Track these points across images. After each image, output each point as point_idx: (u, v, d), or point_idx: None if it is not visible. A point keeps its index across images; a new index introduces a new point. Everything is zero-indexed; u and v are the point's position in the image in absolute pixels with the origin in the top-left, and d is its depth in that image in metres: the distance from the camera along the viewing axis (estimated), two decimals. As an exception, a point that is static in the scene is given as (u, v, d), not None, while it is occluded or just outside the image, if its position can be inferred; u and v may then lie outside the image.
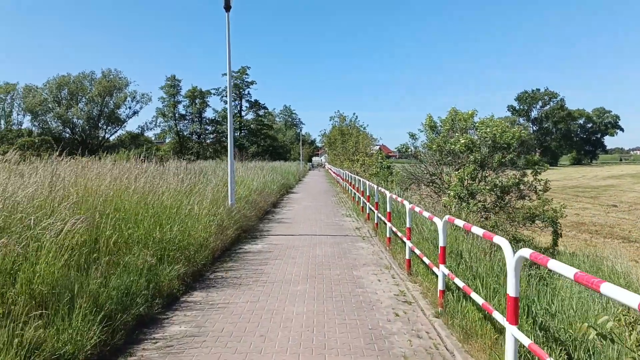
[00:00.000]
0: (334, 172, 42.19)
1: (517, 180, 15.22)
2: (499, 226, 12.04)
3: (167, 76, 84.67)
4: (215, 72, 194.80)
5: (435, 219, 5.80)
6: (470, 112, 17.10)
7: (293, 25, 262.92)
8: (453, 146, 15.66)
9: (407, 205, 7.56)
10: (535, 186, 16.42)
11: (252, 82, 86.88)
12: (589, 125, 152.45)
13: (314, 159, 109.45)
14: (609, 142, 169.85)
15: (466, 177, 14.70)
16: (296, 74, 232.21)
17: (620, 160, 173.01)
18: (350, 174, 22.35)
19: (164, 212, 7.21)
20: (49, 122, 70.74)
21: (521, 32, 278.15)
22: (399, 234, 8.55)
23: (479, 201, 14.89)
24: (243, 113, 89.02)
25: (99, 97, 71.09)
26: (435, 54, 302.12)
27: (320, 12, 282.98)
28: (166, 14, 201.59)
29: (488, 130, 15.13)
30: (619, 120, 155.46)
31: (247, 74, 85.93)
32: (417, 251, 6.89)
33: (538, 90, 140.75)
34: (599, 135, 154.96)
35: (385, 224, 10.42)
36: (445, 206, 15.58)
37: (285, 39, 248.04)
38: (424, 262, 6.85)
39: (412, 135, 17.80)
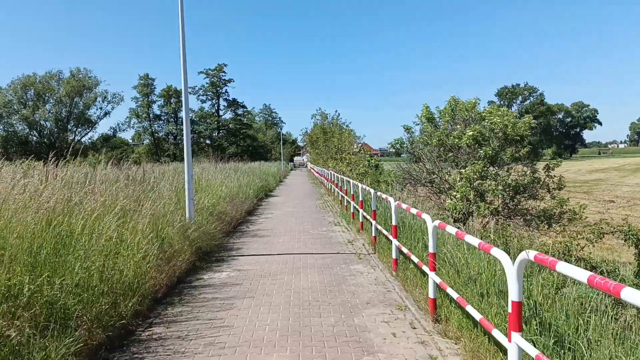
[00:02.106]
0: (317, 172, 39.87)
1: (532, 178, 13.10)
2: (570, 252, 9.63)
3: (139, 75, 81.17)
4: (190, 70, 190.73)
5: (499, 254, 3.46)
6: (472, 101, 14.91)
7: (272, 23, 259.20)
8: (457, 140, 13.45)
9: (430, 222, 5.24)
10: (548, 184, 14.35)
11: (229, 80, 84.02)
12: (568, 119, 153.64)
13: (296, 158, 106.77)
14: (587, 136, 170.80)
15: (475, 176, 12.48)
16: (275, 73, 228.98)
17: (599, 153, 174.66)
18: (336, 174, 20.00)
19: (69, 244, 4.73)
20: (15, 125, 66.79)
21: (500, 28, 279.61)
22: (414, 258, 6.21)
23: (490, 204, 12.70)
24: (221, 112, 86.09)
25: (67, 98, 67.33)
26: (414, 54, 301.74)
27: (301, 11, 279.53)
28: (135, 10, 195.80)
29: (498, 120, 12.95)
30: (598, 114, 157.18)
31: (224, 72, 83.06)
32: (453, 293, 4.56)
33: (518, 85, 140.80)
34: (578, 130, 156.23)
35: (389, 239, 8.10)
36: (448, 210, 13.37)
37: (264, 38, 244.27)
38: (459, 306, 4.55)
39: (408, 129, 15.51)
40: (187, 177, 8.83)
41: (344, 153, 37.05)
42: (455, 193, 12.90)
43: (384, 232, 8.35)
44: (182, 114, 8.54)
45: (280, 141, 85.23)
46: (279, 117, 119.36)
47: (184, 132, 9.01)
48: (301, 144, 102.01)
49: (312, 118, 54.62)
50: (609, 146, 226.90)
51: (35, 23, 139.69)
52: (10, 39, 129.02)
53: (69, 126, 69.72)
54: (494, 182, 13.19)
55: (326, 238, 10.87)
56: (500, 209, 12.86)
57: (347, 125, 47.72)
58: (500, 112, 13.50)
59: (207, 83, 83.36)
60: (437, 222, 5.04)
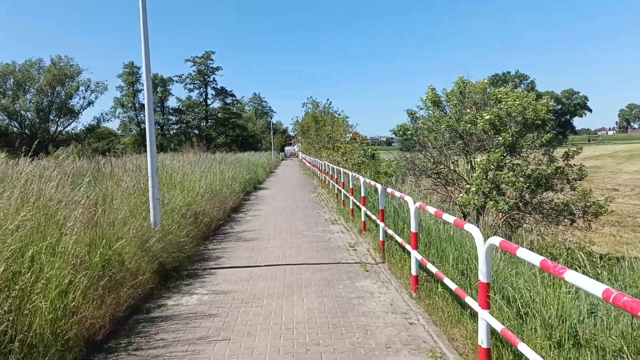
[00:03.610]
0: (308, 162, 38.22)
1: (555, 168, 11.55)
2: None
3: (124, 63, 78.53)
4: (177, 58, 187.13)
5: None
6: (484, 82, 13.29)
7: (262, 12, 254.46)
8: (469, 125, 11.84)
9: (482, 240, 3.61)
10: (568, 174, 12.85)
11: (217, 68, 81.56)
12: (559, 106, 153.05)
13: (287, 148, 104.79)
14: (576, 123, 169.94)
15: (492, 166, 10.90)
16: (265, 62, 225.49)
17: (589, 140, 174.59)
18: (330, 165, 18.30)
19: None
20: (-6, 115, 64.04)
21: (488, 18, 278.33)
22: (449, 282, 4.56)
23: (510, 197, 11.13)
24: (209, 101, 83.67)
25: (48, 87, 64.58)
26: (402, 43, 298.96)
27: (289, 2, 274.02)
28: None
29: (516, 103, 11.33)
30: (588, 101, 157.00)
31: (212, 59, 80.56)
32: (532, 355, 2.92)
33: (509, 72, 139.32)
34: (568, 117, 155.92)
35: (402, 246, 6.49)
36: (461, 205, 11.80)
37: (253, 26, 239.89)
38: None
39: (412, 114, 13.84)
40: (151, 172, 7.08)
41: (337, 142, 35.38)
42: (468, 185, 11.32)
43: (397, 238, 6.70)
44: (144, 94, 6.79)
45: (270, 131, 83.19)
46: (269, 107, 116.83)
47: (146, 117, 7.24)
48: (292, 134, 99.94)
49: (303, 107, 52.72)
50: (598, 133, 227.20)
51: (12, 10, 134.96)
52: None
53: (50, 116, 66.98)
54: (511, 172, 11.63)
55: (323, 241, 9.23)
56: (520, 203, 11.32)
57: (339, 114, 45.95)
58: (518, 94, 11.89)
59: (194, 71, 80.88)
60: (496, 241, 3.39)
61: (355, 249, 8.45)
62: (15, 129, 66.68)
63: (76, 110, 69.19)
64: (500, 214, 12.07)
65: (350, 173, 11.95)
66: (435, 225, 7.28)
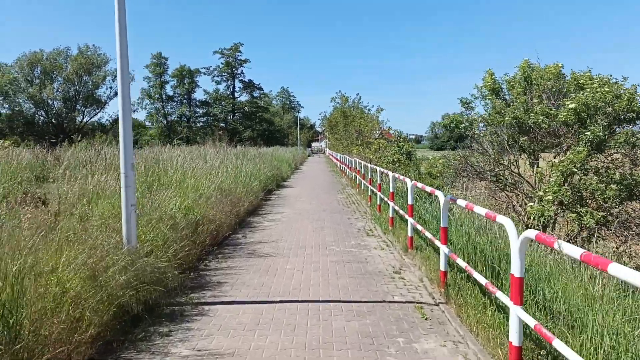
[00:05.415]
0: (336, 159, 36.14)
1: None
2: None
3: (152, 54, 77.69)
4: (206, 50, 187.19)
5: None
6: (556, 65, 10.85)
7: (294, 6, 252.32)
8: (540, 117, 9.46)
9: None
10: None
11: (245, 61, 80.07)
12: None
13: (314, 144, 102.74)
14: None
15: (576, 168, 8.54)
16: (295, 57, 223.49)
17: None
18: (362, 162, 16.06)
19: None
20: (21, 104, 64.02)
21: (514, 13, 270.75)
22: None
23: (592, 209, 8.74)
24: (236, 94, 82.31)
25: (75, 76, 64.14)
26: (436, 39, 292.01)
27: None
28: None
29: (606, 89, 8.90)
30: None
31: (240, 52, 79.13)
32: None
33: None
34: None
35: (481, 288, 4.32)
36: (529, 217, 9.46)
37: (284, 19, 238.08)
38: None
39: (466, 103, 11.50)
40: (124, 167, 5.02)
41: (366, 138, 33.27)
42: (541, 193, 8.98)
43: (478, 277, 4.47)
44: (118, 67, 4.67)
45: (297, 126, 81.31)
46: (297, 101, 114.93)
47: (119, 98, 5.21)
48: (319, 129, 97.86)
49: (331, 101, 50.83)
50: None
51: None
52: (17, 15, 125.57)
53: (77, 106, 66.61)
54: (595, 177, 9.24)
55: (358, 261, 7.10)
56: (610, 217, 8.92)
57: (368, 109, 43.78)
58: (604, 80, 9.45)
59: (222, 63, 79.62)
60: None
61: (402, 277, 6.29)
62: (42, 118, 66.57)
63: (103, 101, 68.71)
64: (573, 227, 9.72)
65: (390, 174, 9.75)
66: (535, 252, 5.06)
